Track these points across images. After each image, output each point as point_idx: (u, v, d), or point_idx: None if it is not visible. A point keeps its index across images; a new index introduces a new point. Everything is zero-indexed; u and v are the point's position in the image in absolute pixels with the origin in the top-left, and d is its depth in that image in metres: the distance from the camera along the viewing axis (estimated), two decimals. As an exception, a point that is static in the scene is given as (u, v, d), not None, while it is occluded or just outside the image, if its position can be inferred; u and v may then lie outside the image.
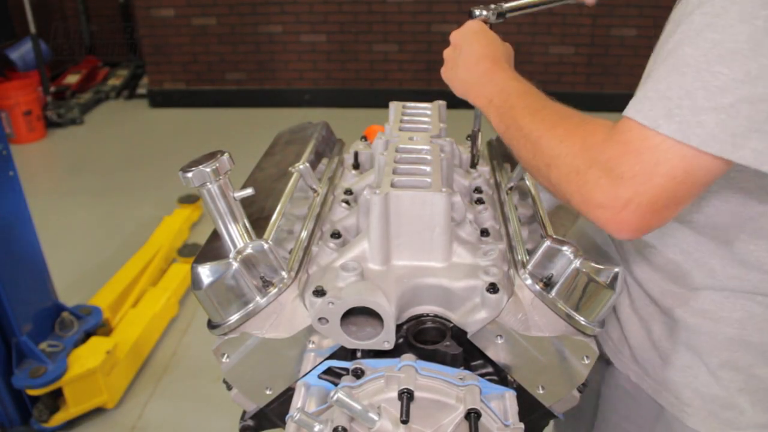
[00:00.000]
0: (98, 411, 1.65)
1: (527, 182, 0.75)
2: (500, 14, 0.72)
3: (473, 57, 0.65)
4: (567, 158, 0.48)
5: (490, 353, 0.61)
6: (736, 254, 0.57)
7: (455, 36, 0.69)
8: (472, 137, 0.84)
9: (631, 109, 0.45)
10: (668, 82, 0.44)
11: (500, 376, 0.62)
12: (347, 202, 0.77)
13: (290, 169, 0.77)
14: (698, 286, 0.60)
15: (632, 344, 0.67)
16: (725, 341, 0.59)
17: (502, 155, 0.89)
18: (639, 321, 0.66)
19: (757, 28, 0.41)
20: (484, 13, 0.71)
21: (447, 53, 0.69)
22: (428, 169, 0.67)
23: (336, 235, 0.69)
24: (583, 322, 0.60)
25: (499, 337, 0.60)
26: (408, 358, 0.56)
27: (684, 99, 0.43)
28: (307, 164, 0.78)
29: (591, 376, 0.78)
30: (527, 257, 0.63)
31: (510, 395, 0.57)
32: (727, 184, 0.54)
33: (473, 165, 0.87)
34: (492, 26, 0.71)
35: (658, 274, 0.64)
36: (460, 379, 0.55)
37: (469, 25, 0.69)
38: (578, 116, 0.51)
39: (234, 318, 0.61)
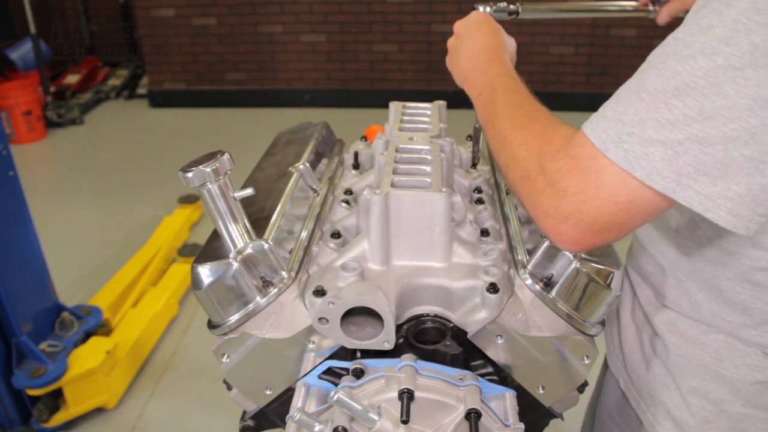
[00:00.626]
0: (98, 411, 1.65)
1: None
2: (510, 13, 0.73)
3: (474, 47, 0.65)
4: (523, 161, 0.48)
5: (490, 353, 0.61)
6: (723, 292, 0.56)
7: (458, 25, 0.69)
8: (474, 135, 0.84)
9: (589, 126, 0.44)
10: (626, 106, 0.42)
11: (500, 376, 0.62)
12: (347, 202, 0.77)
13: (290, 169, 0.77)
14: (684, 313, 0.60)
15: (625, 351, 0.68)
16: (699, 368, 0.59)
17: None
18: (635, 329, 0.66)
19: (716, 66, 0.38)
20: (488, 9, 0.72)
21: (450, 42, 0.70)
22: (428, 169, 0.67)
23: (336, 235, 0.69)
24: (583, 322, 0.60)
25: (499, 337, 0.60)
26: (408, 358, 0.55)
27: (635, 126, 0.41)
28: (307, 164, 0.78)
29: (599, 379, 0.79)
30: (527, 257, 0.63)
31: (510, 395, 0.57)
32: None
33: (474, 164, 0.87)
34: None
35: (654, 294, 0.64)
36: (460, 379, 0.55)
37: (473, 15, 0.70)
38: (546, 121, 0.50)
39: (234, 318, 0.61)
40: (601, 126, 0.43)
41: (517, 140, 0.50)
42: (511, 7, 0.75)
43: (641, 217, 0.43)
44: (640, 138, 0.41)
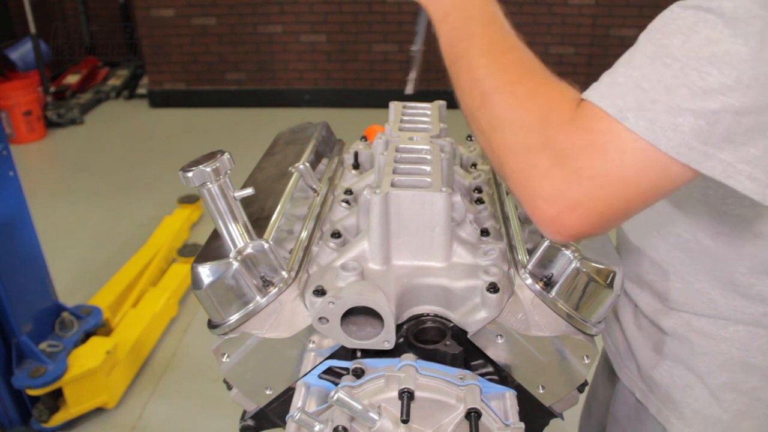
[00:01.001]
0: (98, 411, 1.65)
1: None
2: None
3: None
4: (519, 127, 0.40)
5: (491, 353, 0.61)
6: (738, 287, 0.54)
7: None
8: (410, 59, 0.69)
9: (595, 94, 0.39)
10: (645, 72, 0.37)
11: (500, 375, 0.62)
12: (347, 202, 0.77)
13: (290, 169, 0.77)
14: (698, 312, 0.58)
15: (639, 361, 0.65)
16: (726, 362, 0.57)
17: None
18: (643, 337, 0.65)
19: (757, 31, 0.35)
20: None
21: None
22: (428, 168, 0.67)
23: (336, 234, 0.69)
24: (583, 322, 0.60)
25: (499, 337, 0.60)
26: (408, 358, 0.56)
27: (661, 94, 0.37)
28: (307, 164, 0.78)
29: (602, 392, 0.74)
30: (527, 257, 0.63)
31: (510, 395, 0.57)
32: (720, 213, 0.52)
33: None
34: None
35: (658, 299, 0.62)
36: (461, 378, 0.55)
37: None
38: (544, 76, 0.42)
39: (234, 318, 0.61)
40: (614, 93, 0.38)
41: (508, 96, 0.41)
42: None
43: (654, 198, 0.39)
44: (667, 106, 0.36)
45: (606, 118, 0.38)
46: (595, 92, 0.39)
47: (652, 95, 0.37)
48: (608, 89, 0.39)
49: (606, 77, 0.40)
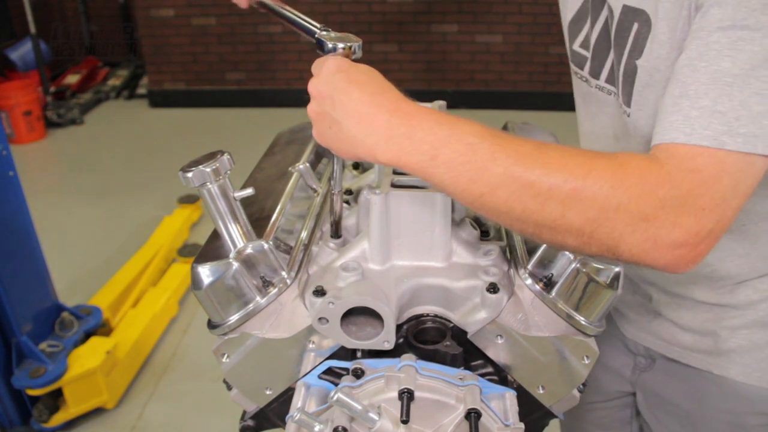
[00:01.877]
0: (98, 411, 1.65)
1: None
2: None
3: (360, 102, 0.45)
4: (625, 209, 0.39)
5: (490, 353, 0.61)
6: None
7: (315, 86, 0.50)
8: (331, 205, 0.62)
9: (678, 133, 0.41)
10: (713, 97, 0.41)
11: (500, 376, 0.62)
12: (347, 202, 0.77)
13: (290, 169, 0.77)
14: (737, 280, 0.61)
15: (710, 341, 0.65)
16: None
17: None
18: (712, 320, 0.65)
19: None
20: (341, 46, 0.50)
21: (312, 110, 0.51)
22: (428, 169, 0.67)
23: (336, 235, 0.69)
24: (583, 322, 0.60)
25: (499, 337, 0.60)
26: (408, 358, 0.55)
27: (739, 110, 0.40)
28: (307, 164, 0.78)
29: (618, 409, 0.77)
30: (527, 257, 0.63)
31: (510, 395, 0.57)
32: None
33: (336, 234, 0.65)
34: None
35: (720, 282, 0.64)
36: (460, 379, 0.55)
37: (329, 64, 0.50)
38: (594, 155, 0.42)
39: (234, 318, 0.61)
40: (696, 126, 0.40)
41: (598, 188, 0.39)
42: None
43: (750, 193, 0.42)
44: (749, 117, 0.40)
45: (704, 150, 0.40)
46: (677, 133, 0.41)
47: (732, 114, 0.41)
48: (687, 125, 0.41)
49: (673, 116, 0.41)
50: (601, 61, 0.62)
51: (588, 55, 0.64)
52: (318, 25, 0.57)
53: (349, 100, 0.46)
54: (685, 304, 0.69)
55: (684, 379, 0.72)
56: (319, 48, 0.53)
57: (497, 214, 0.43)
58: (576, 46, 0.64)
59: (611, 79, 0.61)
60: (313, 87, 0.50)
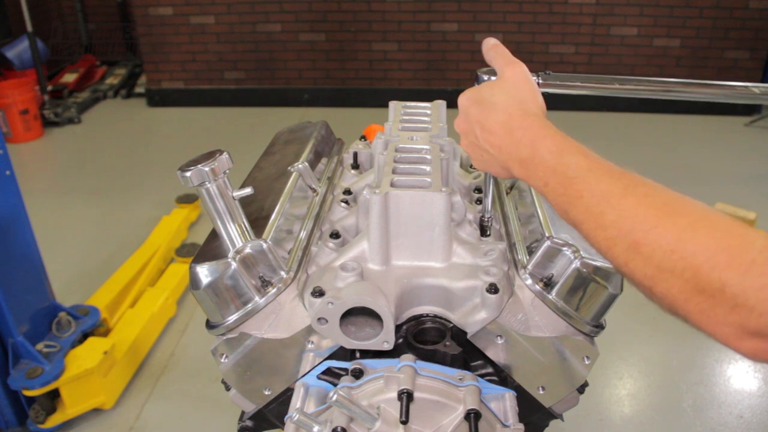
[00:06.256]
0: (95, 412, 1.64)
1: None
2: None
3: (499, 116, 0.48)
4: (689, 274, 0.36)
5: (490, 353, 0.61)
6: None
7: (466, 99, 0.52)
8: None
9: None
10: None
11: (500, 376, 0.61)
12: (346, 202, 0.77)
13: (289, 168, 0.76)
14: None
15: None
16: None
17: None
18: None
19: None
20: (494, 78, 0.53)
21: (459, 124, 0.53)
22: (428, 168, 0.67)
23: (335, 235, 0.69)
24: (583, 322, 0.60)
25: (499, 338, 0.60)
26: (407, 359, 0.55)
27: None
28: (306, 164, 0.78)
29: None
30: (527, 257, 0.63)
31: (510, 396, 0.57)
32: None
33: (484, 233, 0.71)
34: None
35: None
36: (460, 379, 0.54)
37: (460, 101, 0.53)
38: (704, 215, 0.38)
39: (233, 318, 0.61)
40: None
41: (667, 245, 0.37)
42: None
43: None
44: None
45: None
46: None
47: None
48: None
49: None
50: None
51: None
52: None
53: (493, 109, 0.49)
54: None
55: None
56: (476, 81, 0.56)
57: (592, 244, 0.43)
58: None
59: None
60: (463, 99, 0.53)
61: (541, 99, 0.51)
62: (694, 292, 0.36)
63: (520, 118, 0.47)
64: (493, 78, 0.54)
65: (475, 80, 0.56)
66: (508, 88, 0.50)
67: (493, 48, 0.54)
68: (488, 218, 0.68)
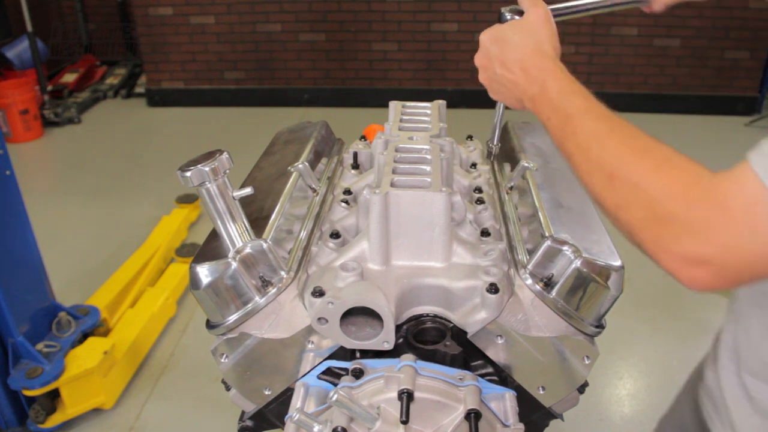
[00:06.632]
0: (95, 412, 1.64)
1: (527, 182, 0.74)
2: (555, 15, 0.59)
3: (517, 55, 0.55)
4: (646, 204, 0.42)
5: (491, 353, 0.61)
6: None
7: (486, 36, 0.59)
8: (493, 131, 0.74)
9: (754, 155, 0.40)
10: None
11: (500, 376, 0.61)
12: (346, 202, 0.77)
13: (289, 168, 0.76)
14: None
15: None
16: None
17: (501, 155, 0.88)
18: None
19: None
20: (517, 17, 0.59)
21: (479, 59, 0.59)
22: (428, 168, 0.67)
23: (335, 235, 0.69)
24: (583, 322, 0.60)
25: (499, 338, 0.60)
26: (408, 359, 0.55)
27: None
28: (306, 164, 0.78)
29: None
30: (527, 257, 0.63)
31: (510, 396, 0.57)
32: None
33: (489, 155, 0.79)
34: None
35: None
36: (460, 379, 0.54)
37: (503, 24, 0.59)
38: (664, 153, 0.44)
39: (233, 318, 0.61)
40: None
41: (634, 179, 0.43)
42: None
43: None
44: None
45: (754, 192, 0.39)
46: (754, 154, 0.40)
47: None
48: (763, 155, 0.40)
49: (765, 138, 0.41)
50: None
51: None
52: None
53: (511, 47, 0.56)
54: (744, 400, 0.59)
55: None
56: (499, 19, 0.61)
57: (581, 173, 0.49)
58: None
59: None
60: (483, 36, 0.59)
61: (557, 41, 0.57)
62: (650, 221, 0.42)
63: (535, 59, 0.54)
64: (516, 17, 0.59)
65: (498, 18, 0.61)
66: (528, 30, 0.56)
67: None
68: (493, 146, 0.75)
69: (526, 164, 0.75)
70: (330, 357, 0.61)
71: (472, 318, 0.59)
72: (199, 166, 0.58)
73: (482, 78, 0.60)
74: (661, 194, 0.42)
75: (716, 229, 0.40)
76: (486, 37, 0.59)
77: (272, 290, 0.61)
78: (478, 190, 0.81)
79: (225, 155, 0.59)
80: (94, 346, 1.64)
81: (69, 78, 4.05)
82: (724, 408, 0.61)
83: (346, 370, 0.58)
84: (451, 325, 0.61)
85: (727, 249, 0.39)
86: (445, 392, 0.53)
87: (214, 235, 0.63)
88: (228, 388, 0.65)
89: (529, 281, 0.61)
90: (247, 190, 0.61)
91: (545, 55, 0.54)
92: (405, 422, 0.49)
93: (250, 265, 0.60)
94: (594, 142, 0.47)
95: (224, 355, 0.62)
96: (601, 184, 0.46)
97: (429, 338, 0.61)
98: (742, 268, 0.40)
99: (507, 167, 0.83)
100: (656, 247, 0.42)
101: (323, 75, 3.91)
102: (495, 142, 0.76)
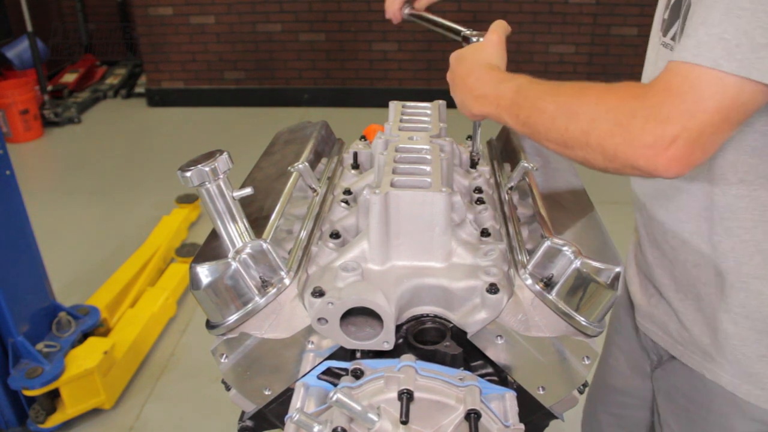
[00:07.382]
0: (95, 412, 1.64)
1: (527, 182, 0.75)
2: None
3: (470, 68, 0.66)
4: (606, 118, 0.49)
5: (490, 354, 0.61)
6: None
7: (452, 57, 0.71)
8: (474, 132, 0.86)
9: (688, 54, 0.48)
10: (724, 27, 0.47)
11: (500, 376, 0.61)
12: (346, 202, 0.77)
13: (289, 168, 0.76)
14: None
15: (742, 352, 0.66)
16: None
17: (502, 155, 0.88)
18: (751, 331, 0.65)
19: None
20: (481, 39, 0.72)
21: (448, 76, 0.71)
22: (428, 168, 0.67)
23: (335, 235, 0.69)
24: (583, 323, 0.60)
25: (499, 338, 0.60)
26: (408, 359, 0.55)
27: (742, 38, 0.47)
28: (306, 164, 0.78)
29: (638, 392, 0.80)
30: (527, 257, 0.63)
31: (510, 396, 0.57)
32: None
33: (474, 165, 0.88)
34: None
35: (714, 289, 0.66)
36: (460, 379, 0.54)
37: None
38: (599, 84, 0.53)
39: (233, 318, 0.61)
40: (703, 49, 0.48)
41: (586, 104, 0.51)
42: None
43: (743, 118, 0.48)
44: (749, 46, 0.47)
45: (702, 70, 0.48)
46: (686, 52, 0.49)
47: (735, 41, 0.47)
48: (696, 49, 0.48)
49: (689, 40, 0.49)
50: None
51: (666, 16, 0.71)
52: (461, 28, 0.79)
53: (469, 64, 0.67)
54: (688, 301, 0.69)
55: (683, 378, 0.72)
56: (464, 41, 0.75)
57: (536, 135, 0.57)
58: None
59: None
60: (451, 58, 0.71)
61: (503, 56, 0.68)
62: (616, 127, 0.49)
63: (483, 69, 0.65)
64: (478, 39, 0.73)
65: (466, 41, 0.74)
66: (482, 50, 0.68)
67: (495, 23, 0.73)
68: (476, 155, 0.87)
69: (526, 165, 0.76)
70: (330, 357, 0.61)
71: (472, 318, 0.59)
72: (199, 166, 0.57)
73: (452, 92, 0.69)
74: (617, 101, 0.50)
75: (672, 105, 0.47)
76: (452, 56, 0.70)
77: (272, 290, 0.61)
78: (478, 190, 0.81)
79: (225, 155, 0.59)
80: (94, 346, 1.64)
81: (69, 78, 4.05)
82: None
83: (346, 370, 0.58)
84: (451, 325, 0.61)
85: (689, 117, 0.47)
86: (445, 392, 0.53)
87: (214, 235, 0.63)
88: (228, 388, 0.65)
89: (529, 281, 0.61)
90: (247, 190, 0.61)
91: (492, 66, 0.65)
92: (405, 422, 0.49)
93: (250, 266, 0.60)
94: (548, 96, 0.55)
95: (224, 355, 0.62)
96: (564, 123, 0.53)
97: (429, 338, 0.61)
98: (706, 131, 0.47)
99: (507, 167, 0.83)
100: (629, 147, 0.49)
101: (323, 75, 3.91)
102: (475, 152, 0.86)
